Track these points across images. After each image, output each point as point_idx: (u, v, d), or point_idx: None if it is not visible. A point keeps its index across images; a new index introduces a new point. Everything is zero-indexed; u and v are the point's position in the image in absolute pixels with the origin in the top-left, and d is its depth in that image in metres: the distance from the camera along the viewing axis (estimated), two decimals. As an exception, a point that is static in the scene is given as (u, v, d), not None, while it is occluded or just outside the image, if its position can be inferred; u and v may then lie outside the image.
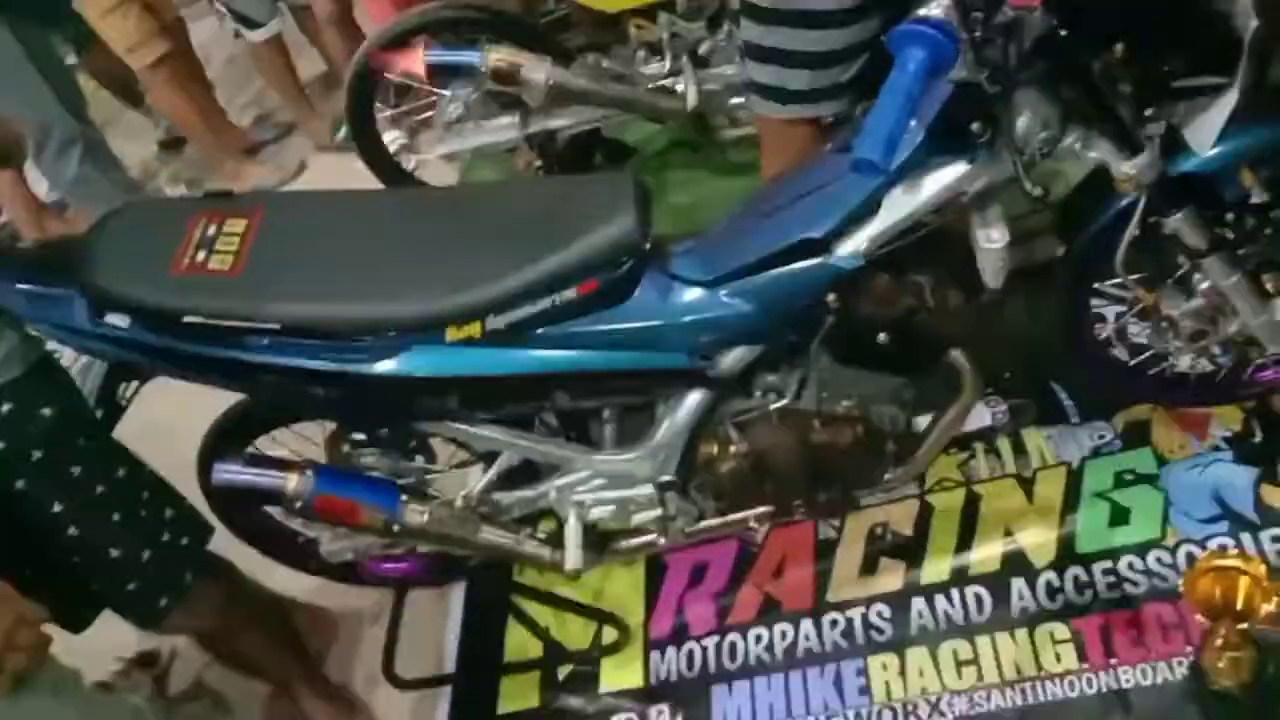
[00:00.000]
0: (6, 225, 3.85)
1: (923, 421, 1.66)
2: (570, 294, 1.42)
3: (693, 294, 1.46)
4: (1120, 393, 1.83)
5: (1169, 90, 1.28)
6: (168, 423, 1.85)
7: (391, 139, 2.79)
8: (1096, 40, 1.15)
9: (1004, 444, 1.93)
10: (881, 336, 1.49)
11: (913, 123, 1.27)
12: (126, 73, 3.53)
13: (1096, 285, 1.59)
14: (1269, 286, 1.46)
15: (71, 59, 3.38)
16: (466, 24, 2.43)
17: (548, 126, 2.51)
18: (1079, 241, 1.51)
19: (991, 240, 1.35)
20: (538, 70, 2.26)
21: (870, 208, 1.35)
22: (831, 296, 1.42)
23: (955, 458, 1.93)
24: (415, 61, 2.24)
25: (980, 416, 1.96)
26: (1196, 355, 1.62)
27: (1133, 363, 1.71)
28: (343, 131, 3.19)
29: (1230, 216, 1.40)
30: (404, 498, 1.62)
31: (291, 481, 1.55)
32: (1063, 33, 1.13)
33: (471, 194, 1.79)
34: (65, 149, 3.29)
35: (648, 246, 1.44)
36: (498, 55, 2.27)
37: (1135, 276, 1.48)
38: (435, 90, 2.52)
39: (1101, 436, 1.86)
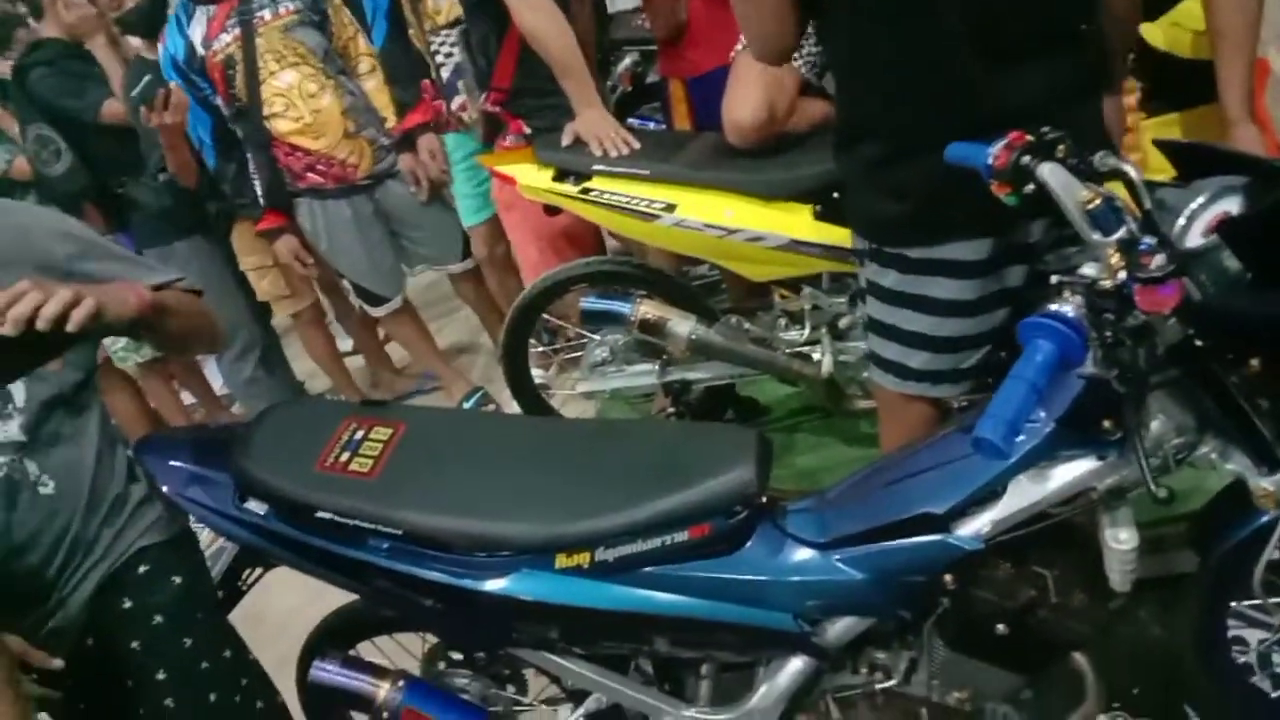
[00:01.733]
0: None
1: (1040, 728, 1.56)
2: (682, 536, 1.43)
3: (804, 554, 1.45)
4: (1262, 727, 1.68)
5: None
6: (280, 613, 1.91)
7: (539, 374, 2.97)
8: (1233, 352, 1.15)
9: (1130, 767, 1.77)
10: (999, 627, 1.43)
11: (1042, 413, 1.28)
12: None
13: (1235, 605, 1.49)
14: None
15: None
16: (623, 277, 2.61)
17: (685, 377, 2.62)
18: (1215, 556, 1.44)
19: (1120, 541, 1.31)
20: (682, 325, 2.40)
21: (995, 491, 1.34)
22: (948, 577, 1.39)
23: (1075, 774, 1.77)
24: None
25: (1106, 733, 1.80)
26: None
27: (1276, 694, 1.57)
28: (472, 401, 3.42)
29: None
30: (490, 725, 1.59)
31: (383, 690, 1.56)
32: (1198, 342, 1.14)
33: (601, 429, 1.87)
34: (245, 353, 3.62)
35: (763, 499, 1.46)
36: (647, 308, 2.42)
37: (1277, 600, 1.39)
38: (586, 334, 2.69)
39: (1240, 774, 1.69)
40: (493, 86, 2.69)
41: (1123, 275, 1.07)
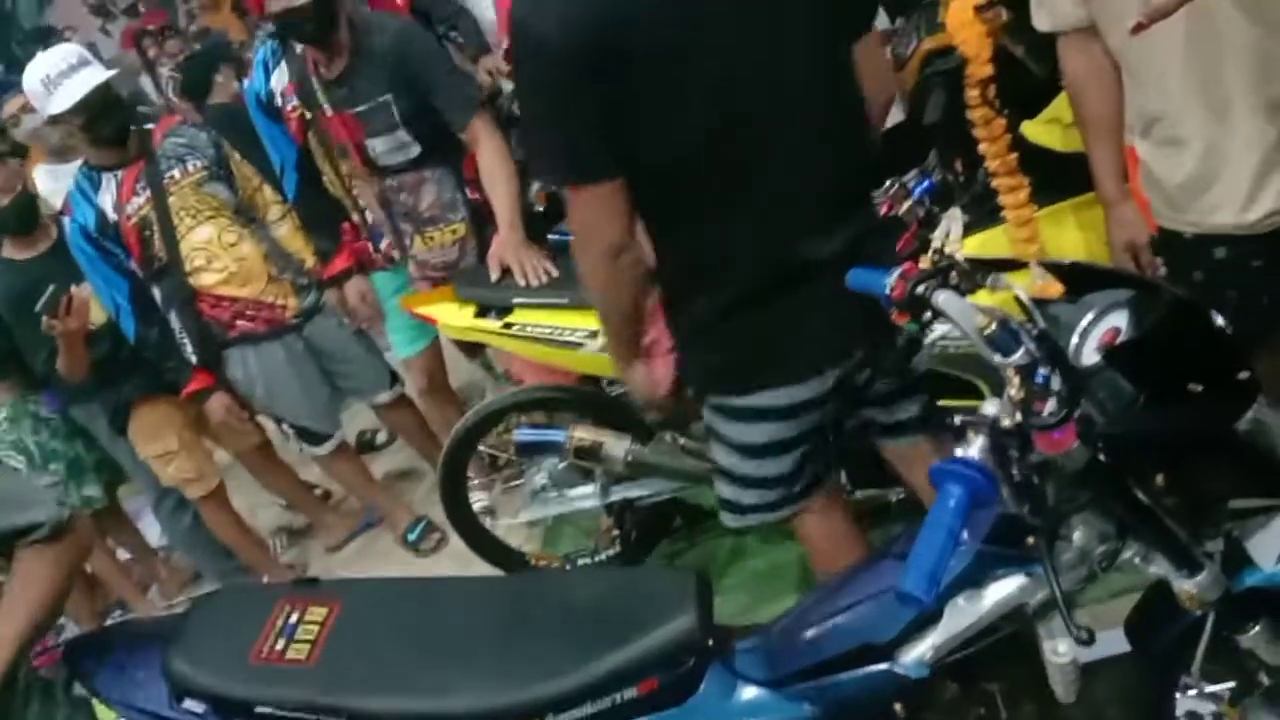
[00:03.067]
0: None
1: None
2: (631, 693, 1.42)
3: (755, 694, 1.45)
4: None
5: (1225, 509, 1.30)
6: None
7: (479, 503, 2.95)
8: (1137, 468, 1.18)
9: None
10: (954, 746, 1.44)
11: (967, 535, 1.31)
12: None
13: (1180, 695, 1.51)
14: (1370, 706, 1.38)
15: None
16: (557, 403, 2.62)
17: (627, 496, 2.62)
18: (1155, 651, 1.46)
19: (1059, 654, 1.32)
20: (617, 447, 2.41)
21: (933, 616, 1.35)
22: (898, 706, 1.39)
23: None
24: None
25: (1078, 828, 1.80)
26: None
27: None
28: (416, 532, 3.40)
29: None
30: None
31: None
32: (1102, 458, 1.18)
33: (537, 584, 1.86)
34: (182, 504, 3.53)
35: (710, 642, 1.46)
36: (581, 433, 2.43)
37: (1218, 688, 1.42)
38: (523, 462, 2.69)
39: None
40: None
41: (1019, 417, 1.10)
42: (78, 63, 2.81)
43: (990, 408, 1.14)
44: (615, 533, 2.66)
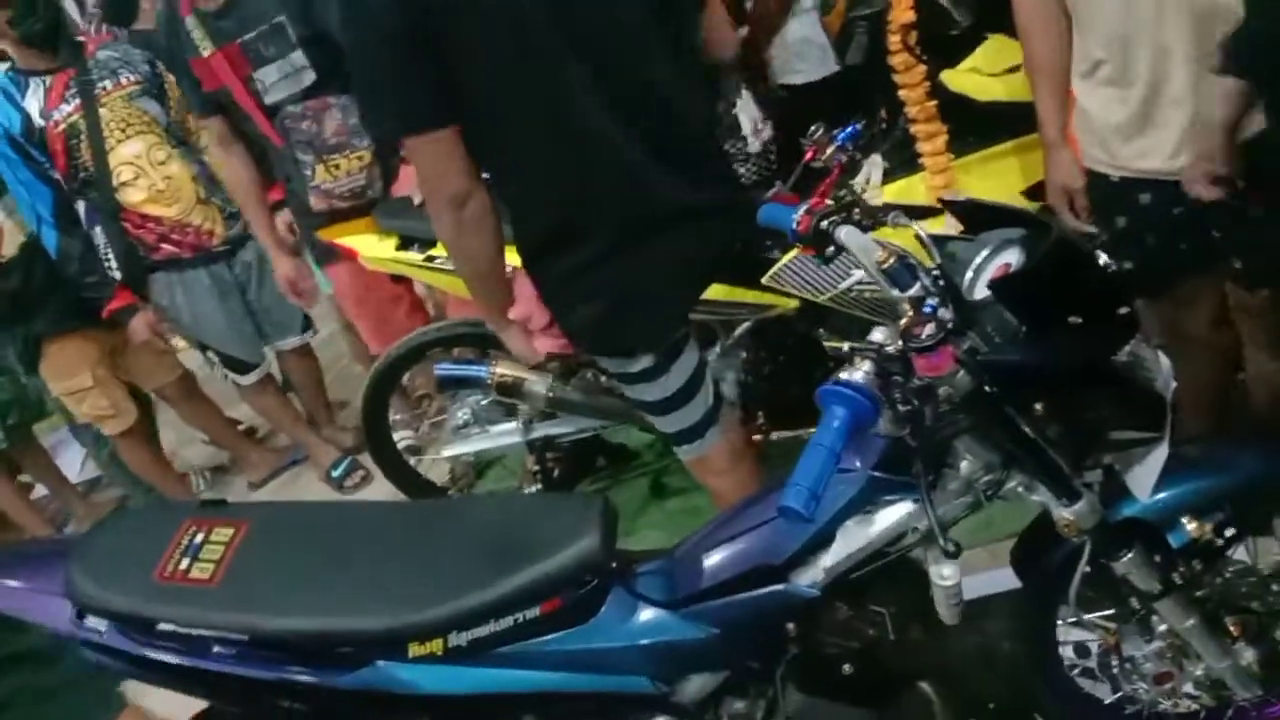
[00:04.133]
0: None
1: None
2: (534, 612, 1.44)
3: (654, 615, 1.48)
4: (1100, 731, 1.78)
5: (1104, 440, 1.35)
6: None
7: (402, 440, 2.95)
8: (1019, 398, 1.23)
9: (988, 781, 1.85)
10: (845, 667, 1.49)
11: (858, 462, 1.35)
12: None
13: (1060, 622, 1.59)
14: (1231, 629, 1.46)
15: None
16: (479, 338, 2.62)
17: (549, 433, 2.64)
18: (1035, 579, 1.53)
19: (943, 578, 1.37)
20: (539, 384, 2.43)
21: (825, 538, 1.40)
22: (791, 625, 1.44)
23: (938, 793, 1.84)
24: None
25: (965, 750, 1.89)
26: (1169, 697, 1.59)
27: (1109, 700, 1.67)
28: (340, 468, 3.38)
29: (1182, 561, 1.43)
30: (357, 820, 1.57)
31: (243, 797, 1.52)
32: (987, 389, 1.22)
33: (445, 509, 1.87)
34: (101, 436, 3.48)
35: (613, 565, 1.49)
36: (503, 369, 2.44)
37: (1094, 615, 1.49)
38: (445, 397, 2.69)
39: (1088, 778, 1.78)
40: None
41: (902, 343, 1.14)
42: None
43: (877, 334, 1.18)
44: (536, 469, 2.68)
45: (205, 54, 2.64)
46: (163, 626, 1.45)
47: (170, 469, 3.70)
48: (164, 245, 3.09)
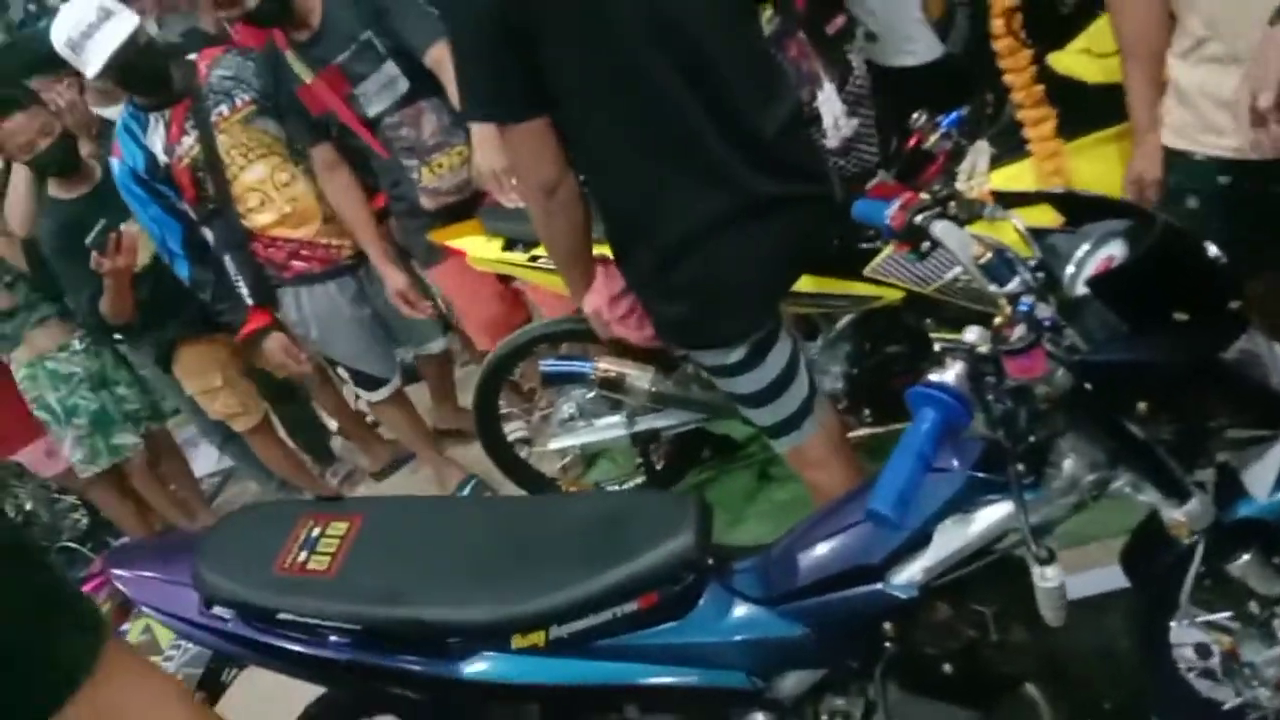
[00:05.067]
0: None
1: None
2: (631, 607, 1.47)
3: (750, 612, 1.49)
4: (1220, 737, 1.71)
5: (1218, 438, 1.30)
6: (275, 698, 1.95)
7: (512, 433, 3.02)
8: (1121, 397, 1.19)
9: (1102, 785, 1.80)
10: (946, 667, 1.47)
11: (955, 462, 1.33)
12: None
13: (1175, 623, 1.53)
14: (1361, 636, 1.39)
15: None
16: (584, 334, 2.66)
17: (653, 426, 2.67)
18: (1146, 580, 1.48)
19: (1046, 579, 1.34)
20: (641, 378, 2.46)
21: (924, 538, 1.38)
22: (888, 625, 1.43)
23: (1050, 796, 1.80)
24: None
25: (1077, 753, 1.84)
26: (1294, 704, 1.52)
27: (1229, 705, 1.60)
28: (467, 489, 3.36)
29: (1305, 562, 1.36)
30: (466, 802, 1.63)
31: (359, 777, 1.60)
32: (1088, 388, 1.19)
33: (547, 507, 1.91)
34: (231, 434, 3.67)
35: (709, 561, 1.51)
36: (606, 364, 2.48)
37: (1210, 618, 1.43)
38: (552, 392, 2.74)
39: (1208, 784, 1.72)
40: None
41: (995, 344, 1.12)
42: (98, 19, 2.72)
43: (970, 335, 1.16)
44: (641, 461, 2.72)
45: (308, 81, 2.74)
46: (283, 616, 1.54)
47: (301, 462, 3.86)
48: (294, 262, 3.09)
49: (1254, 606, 1.42)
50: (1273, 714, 1.58)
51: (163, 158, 2.95)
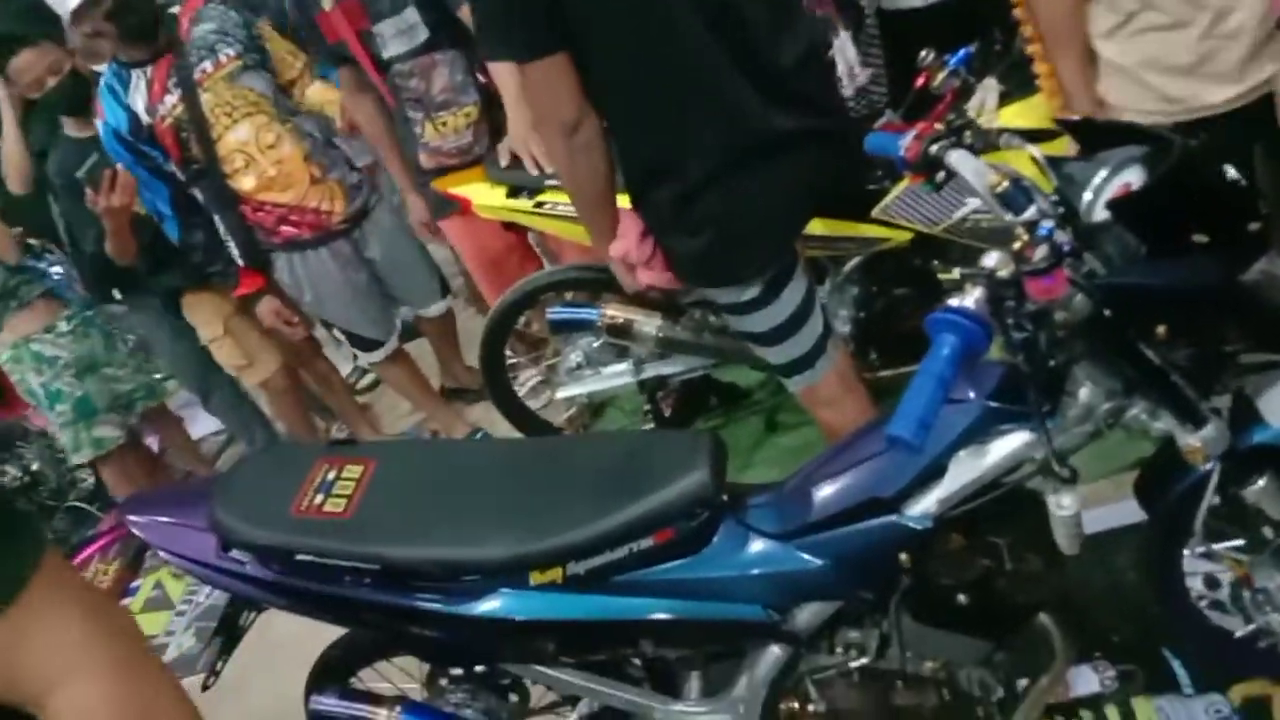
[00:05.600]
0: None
1: (1023, 686, 1.61)
2: (648, 542, 1.48)
3: (766, 546, 1.50)
4: (1230, 664, 1.73)
5: (1235, 364, 1.29)
6: (288, 644, 1.97)
7: (520, 382, 3.02)
8: (1140, 321, 1.19)
9: (1112, 712, 1.82)
10: (961, 597, 1.48)
11: (971, 393, 1.33)
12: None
13: (1188, 552, 1.54)
14: (1374, 561, 1.40)
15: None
16: (590, 283, 2.65)
17: (660, 373, 2.67)
18: (1160, 508, 1.49)
19: (1062, 507, 1.34)
20: (648, 324, 2.46)
21: (938, 470, 1.39)
22: (904, 556, 1.44)
23: (1061, 727, 1.83)
24: None
25: (1088, 682, 1.87)
26: (1306, 629, 1.54)
27: (1240, 633, 1.62)
28: (479, 436, 3.35)
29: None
30: (486, 740, 1.65)
31: (381, 717, 1.62)
32: (1106, 313, 1.19)
33: (562, 447, 1.92)
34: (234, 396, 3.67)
35: (724, 498, 1.51)
36: (613, 311, 2.47)
37: (1224, 545, 1.44)
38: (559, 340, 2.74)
39: (1218, 711, 1.74)
40: None
41: (1015, 267, 1.11)
42: None
43: (990, 259, 1.15)
44: (649, 409, 2.72)
45: (327, 7, 2.69)
46: (300, 557, 1.54)
47: (312, 424, 3.80)
48: (283, 228, 3.00)
49: (1268, 532, 1.43)
50: (1282, 640, 1.60)
51: (145, 117, 2.85)
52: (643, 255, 1.82)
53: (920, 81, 2.23)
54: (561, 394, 2.77)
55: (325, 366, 3.73)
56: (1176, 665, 1.84)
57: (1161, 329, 1.18)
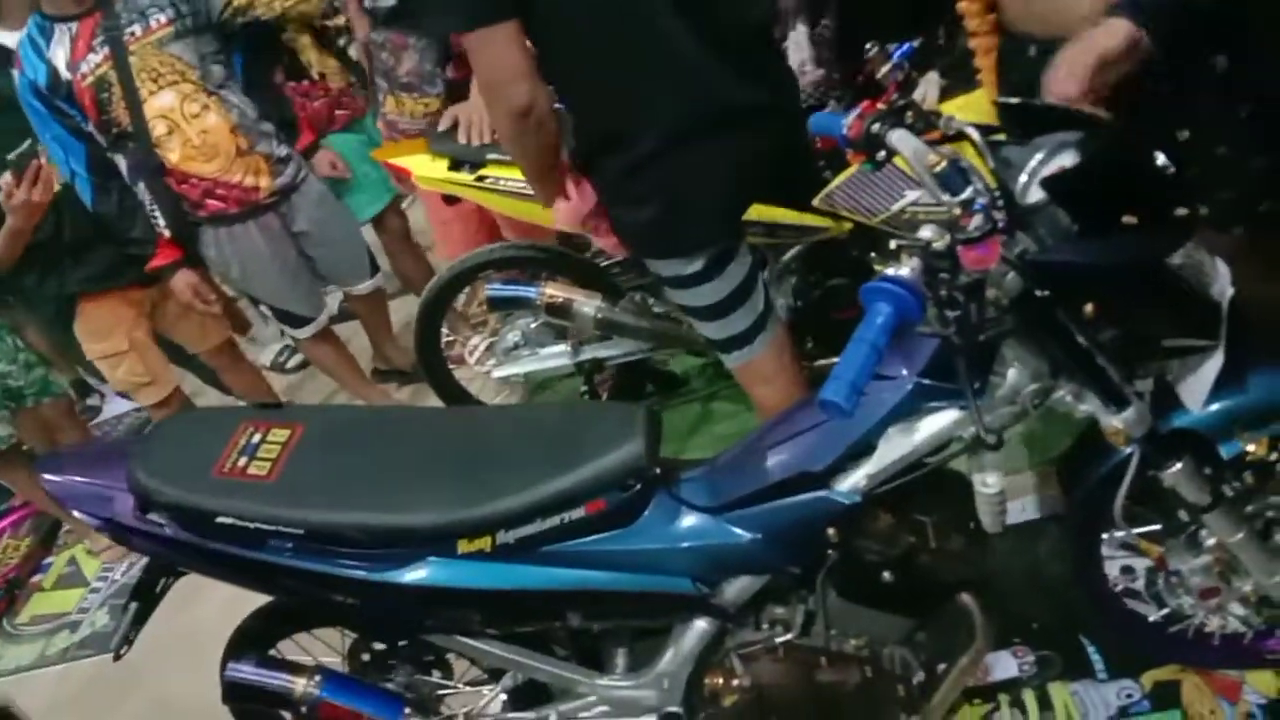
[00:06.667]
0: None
1: (942, 669, 1.63)
2: (578, 513, 1.47)
3: (696, 520, 1.50)
4: (1144, 649, 1.77)
5: (1157, 348, 1.33)
6: (210, 621, 1.92)
7: (468, 350, 2.99)
8: (1069, 300, 1.21)
9: (1029, 697, 1.86)
10: (885, 574, 1.50)
11: (904, 370, 1.35)
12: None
13: (1105, 536, 1.58)
14: (1282, 545, 1.44)
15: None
16: (530, 261, 2.64)
17: (598, 356, 2.67)
18: (1080, 492, 1.52)
19: (987, 485, 1.37)
20: (588, 305, 2.45)
21: (868, 447, 1.40)
22: (831, 530, 1.45)
23: (979, 709, 1.86)
24: None
25: (1007, 667, 1.90)
26: (1216, 613, 1.58)
27: (1154, 618, 1.66)
28: None
29: (1233, 474, 1.41)
30: (407, 711, 1.63)
31: (298, 686, 1.59)
32: (1039, 293, 1.21)
33: (494, 416, 1.90)
34: None
35: (656, 471, 1.51)
36: (553, 290, 2.46)
37: (1140, 530, 1.48)
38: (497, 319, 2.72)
39: (1129, 695, 1.78)
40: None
41: (949, 238, 1.13)
42: None
43: (925, 231, 1.16)
44: (585, 391, 2.71)
45: None
46: (222, 520, 1.50)
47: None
48: (209, 201, 2.89)
49: (1183, 515, 1.47)
50: (1194, 626, 1.64)
51: (65, 74, 2.71)
52: (594, 220, 1.82)
53: (864, 73, 2.27)
54: (498, 373, 2.75)
55: (249, 374, 3.59)
56: (1092, 651, 1.88)
57: (1089, 308, 1.20)
